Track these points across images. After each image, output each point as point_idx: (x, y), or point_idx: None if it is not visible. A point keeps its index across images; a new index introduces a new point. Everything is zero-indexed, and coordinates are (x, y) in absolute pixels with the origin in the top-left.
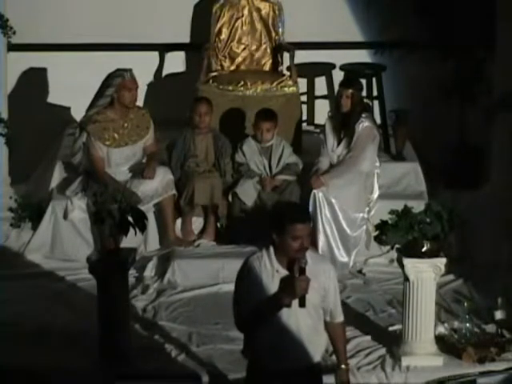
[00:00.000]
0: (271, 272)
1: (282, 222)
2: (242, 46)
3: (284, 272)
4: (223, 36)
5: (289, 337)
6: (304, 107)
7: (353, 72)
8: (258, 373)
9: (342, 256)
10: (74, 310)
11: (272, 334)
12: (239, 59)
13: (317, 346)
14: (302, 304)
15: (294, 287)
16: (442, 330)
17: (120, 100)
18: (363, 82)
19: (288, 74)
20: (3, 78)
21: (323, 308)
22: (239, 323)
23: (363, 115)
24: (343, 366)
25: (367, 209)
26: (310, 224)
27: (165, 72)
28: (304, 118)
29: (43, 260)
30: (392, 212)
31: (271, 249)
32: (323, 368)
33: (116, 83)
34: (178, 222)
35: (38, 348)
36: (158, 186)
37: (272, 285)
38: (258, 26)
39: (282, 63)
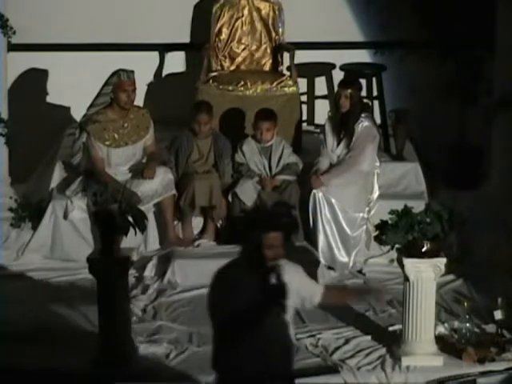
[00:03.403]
0: (247, 280)
1: (257, 231)
2: (242, 46)
3: (258, 280)
4: (223, 36)
5: (268, 344)
6: (304, 107)
7: (353, 72)
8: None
9: (342, 256)
10: (73, 310)
11: (250, 342)
12: (239, 59)
13: (293, 350)
14: (283, 310)
15: (275, 294)
16: (442, 329)
17: (116, 100)
18: (363, 82)
19: (288, 73)
20: (3, 78)
21: (302, 298)
22: (220, 335)
23: (363, 115)
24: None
25: (367, 209)
26: (281, 234)
27: (165, 72)
28: (304, 117)
29: (43, 260)
30: (392, 212)
31: (243, 257)
32: (323, 369)
33: (112, 82)
34: (178, 221)
35: (38, 348)
36: (157, 186)
37: (248, 293)
38: (258, 26)
39: (282, 63)
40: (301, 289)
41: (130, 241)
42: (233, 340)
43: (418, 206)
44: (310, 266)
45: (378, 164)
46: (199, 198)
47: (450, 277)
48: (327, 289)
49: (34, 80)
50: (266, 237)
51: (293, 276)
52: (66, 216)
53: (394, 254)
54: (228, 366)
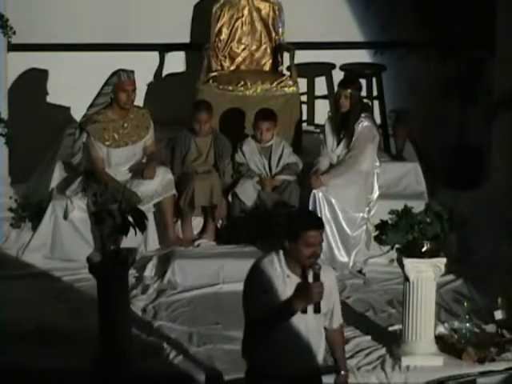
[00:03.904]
0: (282, 277)
1: (296, 228)
2: (242, 46)
3: (295, 277)
4: (223, 36)
5: (298, 342)
6: (304, 107)
7: (353, 72)
8: (260, 377)
9: (342, 256)
10: (73, 310)
11: (282, 339)
12: (239, 59)
13: (321, 349)
14: (317, 310)
15: (309, 293)
16: (442, 329)
17: (116, 100)
18: (363, 82)
19: (288, 73)
20: (3, 78)
21: (326, 312)
22: (251, 331)
23: (363, 115)
24: (343, 373)
25: (367, 209)
26: (323, 231)
27: (165, 72)
28: (304, 117)
29: (43, 260)
30: (392, 212)
31: (281, 254)
32: (323, 369)
33: (112, 82)
34: (178, 221)
35: (38, 348)
36: (157, 186)
37: (283, 290)
38: (258, 26)
39: (282, 63)
40: (329, 296)
41: (130, 241)
42: (264, 334)
43: (418, 206)
44: None
45: (377, 164)
46: (199, 198)
47: (450, 277)
48: (341, 329)
49: (34, 80)
50: (307, 235)
51: (327, 278)
52: (66, 216)
53: (394, 254)
54: (257, 359)
